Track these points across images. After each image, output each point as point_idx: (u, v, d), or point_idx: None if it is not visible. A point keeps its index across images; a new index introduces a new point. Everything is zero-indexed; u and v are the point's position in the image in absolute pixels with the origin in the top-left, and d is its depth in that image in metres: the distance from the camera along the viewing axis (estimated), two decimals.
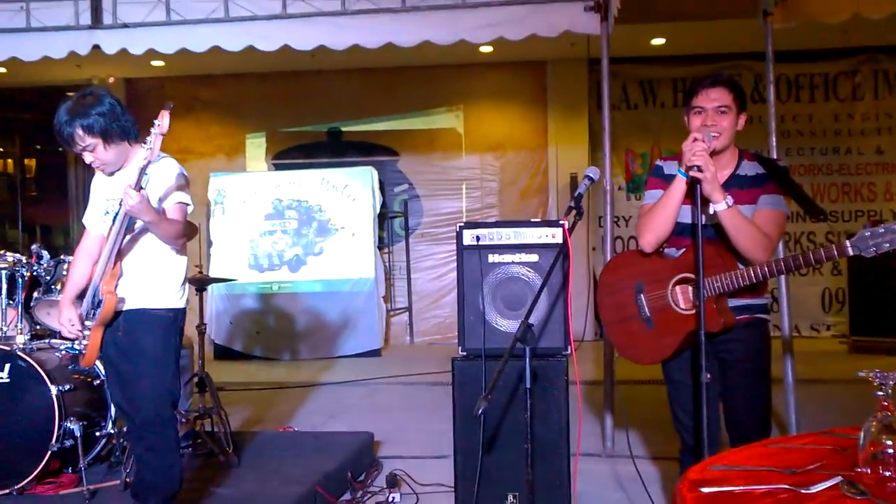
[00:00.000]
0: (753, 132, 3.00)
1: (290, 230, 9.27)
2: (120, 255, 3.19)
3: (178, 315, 3.37)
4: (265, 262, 9.28)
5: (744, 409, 3.01)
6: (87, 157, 3.23)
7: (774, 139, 4.88)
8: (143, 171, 2.98)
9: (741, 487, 1.64)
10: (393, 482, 4.21)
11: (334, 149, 10.19)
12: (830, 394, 5.99)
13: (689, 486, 1.65)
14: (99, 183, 3.43)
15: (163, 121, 2.95)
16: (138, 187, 2.97)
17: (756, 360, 3.02)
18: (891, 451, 1.69)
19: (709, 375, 2.69)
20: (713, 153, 2.85)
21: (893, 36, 8.43)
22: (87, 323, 3.29)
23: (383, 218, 9.81)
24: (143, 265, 3.28)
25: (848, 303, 8.59)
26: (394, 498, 4.09)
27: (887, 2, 4.75)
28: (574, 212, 3.01)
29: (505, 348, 3.69)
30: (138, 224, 3.18)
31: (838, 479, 1.65)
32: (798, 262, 2.74)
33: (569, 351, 3.82)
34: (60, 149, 11.46)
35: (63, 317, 3.30)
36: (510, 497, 3.78)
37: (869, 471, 1.69)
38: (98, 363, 4.20)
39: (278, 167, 10.19)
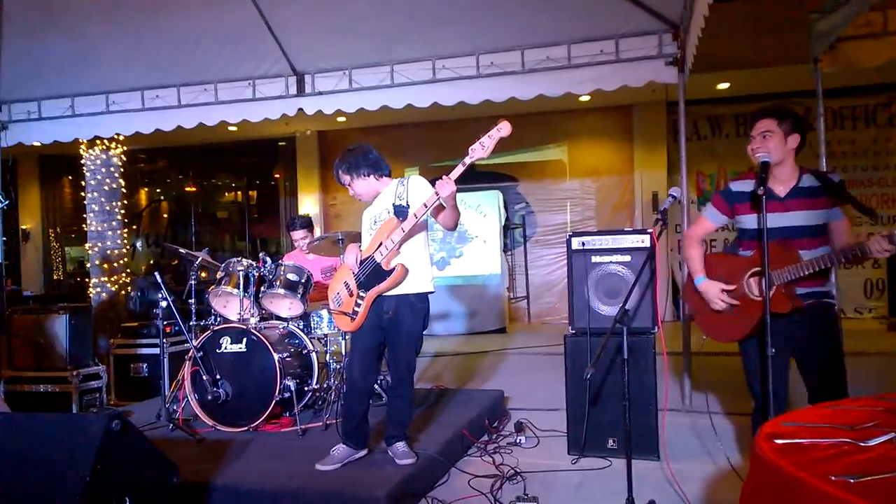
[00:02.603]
0: (805, 155, 2.83)
1: (438, 238, 9.39)
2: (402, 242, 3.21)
3: (429, 299, 3.38)
4: (435, 257, 9.47)
5: (823, 384, 2.77)
6: (350, 191, 3.39)
7: (824, 160, 4.60)
8: (467, 166, 2.95)
9: (809, 440, 1.56)
10: (520, 428, 4.19)
11: (470, 177, 10.20)
12: (873, 364, 5.60)
13: (765, 438, 1.58)
14: (366, 214, 3.47)
15: (505, 128, 2.94)
16: (454, 180, 2.97)
17: (826, 338, 2.80)
18: None
19: (773, 350, 2.55)
20: (773, 166, 2.74)
21: None
22: (360, 293, 3.26)
23: (507, 228, 9.83)
24: (418, 256, 3.29)
25: (887, 290, 8.06)
26: (520, 440, 4.06)
27: None
28: (661, 223, 2.95)
29: (605, 328, 3.68)
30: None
31: (892, 434, 1.53)
32: (855, 253, 2.54)
33: (656, 330, 3.73)
34: (273, 182, 12.19)
35: (351, 255, 3.31)
36: (611, 441, 3.74)
37: None
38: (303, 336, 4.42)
39: None
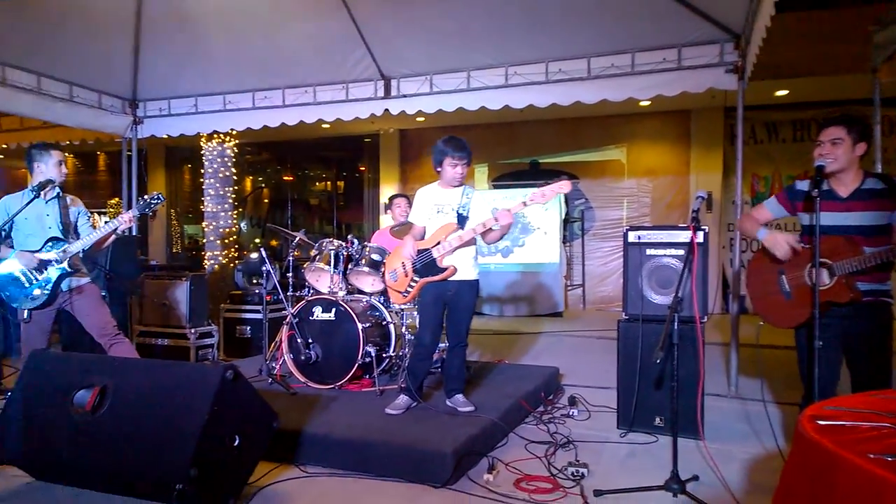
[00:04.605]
0: (862, 162, 2.71)
1: None
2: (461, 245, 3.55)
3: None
4: (485, 249, 9.40)
5: (869, 378, 2.65)
6: (459, 174, 3.62)
7: (879, 167, 4.33)
8: (525, 206, 3.29)
9: (850, 423, 1.52)
10: (573, 402, 4.18)
11: (534, 174, 10.18)
12: None
13: (809, 419, 1.54)
14: (428, 194, 3.75)
15: (566, 186, 3.21)
16: (512, 213, 3.31)
17: (879, 335, 2.66)
18: None
19: (820, 343, 2.46)
20: (836, 172, 2.64)
21: None
22: (415, 277, 3.61)
23: (567, 222, 9.70)
24: (469, 252, 3.63)
25: None
26: (573, 412, 4.06)
27: None
28: (695, 222, 2.90)
29: (656, 315, 3.62)
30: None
31: None
32: None
33: (706, 318, 3.64)
34: (358, 175, 12.44)
35: (409, 244, 3.61)
36: (657, 419, 3.69)
37: None
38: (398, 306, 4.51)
39: (496, 187, 10.32)
